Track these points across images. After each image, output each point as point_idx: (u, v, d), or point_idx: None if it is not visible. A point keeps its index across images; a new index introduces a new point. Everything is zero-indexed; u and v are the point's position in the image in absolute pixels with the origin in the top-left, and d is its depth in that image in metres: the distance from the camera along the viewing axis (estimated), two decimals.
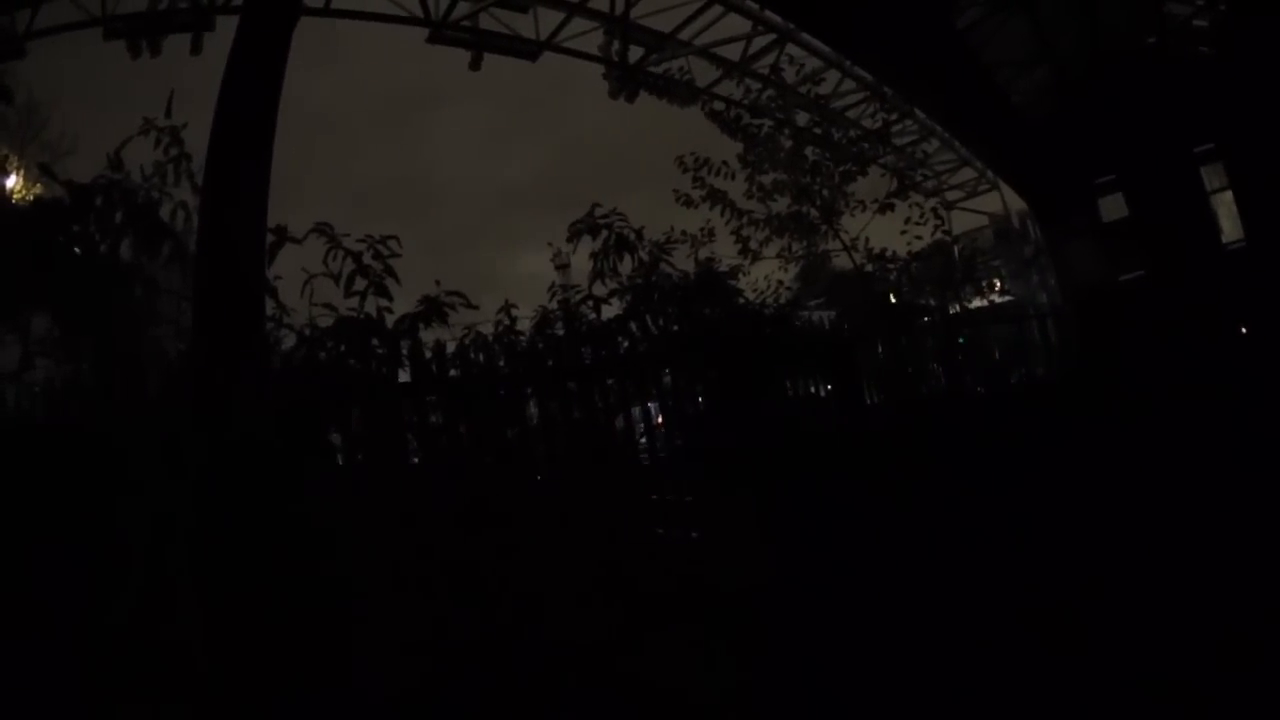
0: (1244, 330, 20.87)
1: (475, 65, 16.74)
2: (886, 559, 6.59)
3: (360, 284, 6.49)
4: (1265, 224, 23.53)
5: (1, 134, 17.62)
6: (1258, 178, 23.62)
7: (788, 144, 12.63)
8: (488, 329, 7.43)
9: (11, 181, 15.17)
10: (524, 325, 7.67)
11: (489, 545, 5.89)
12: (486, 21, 16.50)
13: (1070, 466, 8.91)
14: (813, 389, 10.82)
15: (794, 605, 5.94)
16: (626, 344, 8.27)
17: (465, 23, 16.26)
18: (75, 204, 6.85)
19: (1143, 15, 23.66)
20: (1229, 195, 24.75)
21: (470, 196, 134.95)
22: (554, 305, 8.19)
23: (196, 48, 15.35)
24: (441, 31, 16.04)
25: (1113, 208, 26.28)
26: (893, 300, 14.22)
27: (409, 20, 15.72)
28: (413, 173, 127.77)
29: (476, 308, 7.22)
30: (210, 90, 6.01)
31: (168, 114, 6.92)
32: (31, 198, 10.40)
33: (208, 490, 4.68)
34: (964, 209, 32.77)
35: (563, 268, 61.72)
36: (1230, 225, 24.87)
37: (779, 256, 12.91)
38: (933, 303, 20.49)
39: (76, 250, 6.91)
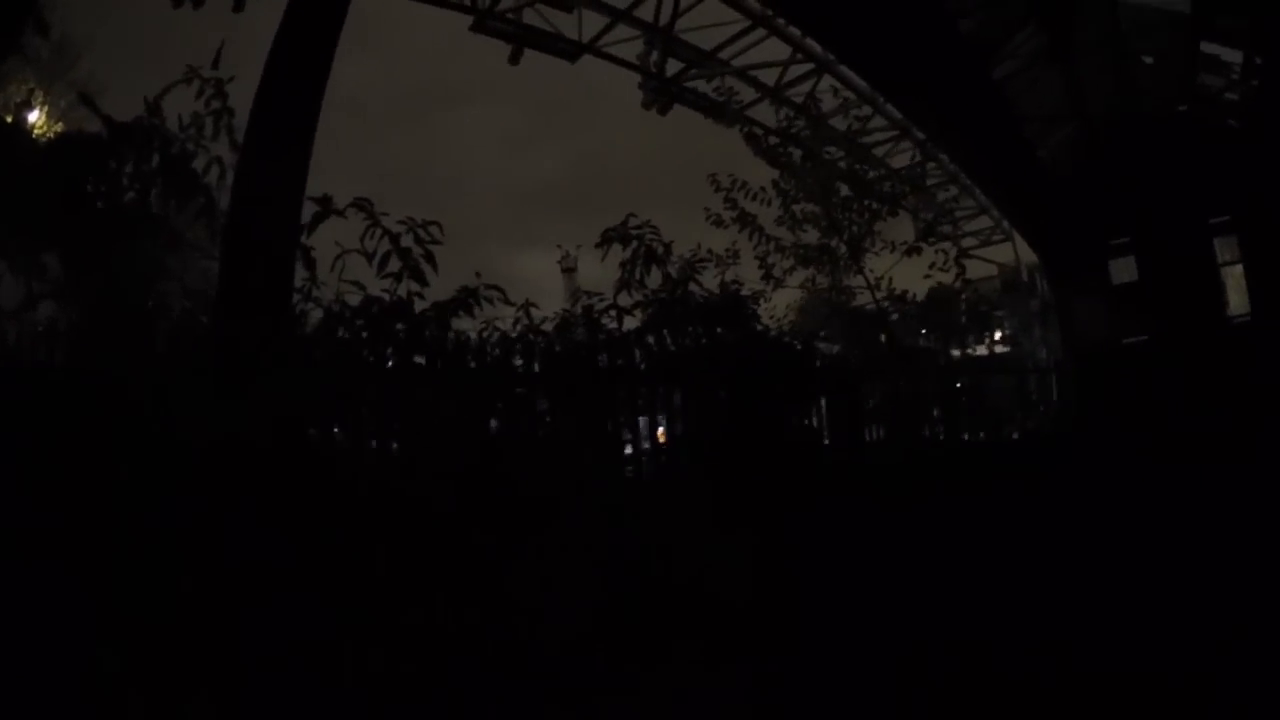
0: (1243, 403, 21.06)
1: (514, 60, 16.65)
2: (872, 598, 6.52)
3: (395, 266, 6.38)
4: (1273, 300, 23.77)
5: (31, 68, 17.45)
6: (1270, 254, 23.84)
7: (820, 175, 12.70)
8: (506, 324, 7.39)
9: (35, 116, 15.06)
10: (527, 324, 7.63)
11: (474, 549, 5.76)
12: (530, 17, 16.40)
13: (1055, 532, 8.89)
14: (814, 422, 10.84)
15: (781, 632, 5.82)
16: (642, 357, 8.25)
17: (510, 15, 16.13)
18: (112, 141, 6.76)
19: (1176, 83, 23.81)
20: (1239, 269, 24.91)
21: (485, 194, 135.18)
22: (577, 309, 8.20)
23: (239, 5, 14.99)
24: (486, 22, 15.88)
25: (1123, 270, 26.43)
26: (898, 341, 14.31)
27: (456, 6, 15.52)
28: (433, 165, 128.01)
29: (514, 305, 7.18)
30: (248, 52, 5.95)
31: (215, 65, 6.78)
32: (53, 135, 10.27)
33: (224, 460, 4.60)
34: (976, 257, 32.87)
35: (569, 271, 62.24)
36: (1238, 299, 25.02)
37: (802, 287, 13.01)
38: (937, 347, 20.59)
39: (102, 191, 6.84)
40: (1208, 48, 21.36)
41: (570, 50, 17.15)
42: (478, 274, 6.95)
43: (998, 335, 36.87)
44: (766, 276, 12.11)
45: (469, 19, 15.90)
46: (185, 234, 7.21)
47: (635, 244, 8.36)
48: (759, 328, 9.85)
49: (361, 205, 6.42)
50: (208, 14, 13.90)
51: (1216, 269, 25.18)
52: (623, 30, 17.32)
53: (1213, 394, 20.21)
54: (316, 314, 6.28)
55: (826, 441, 11.21)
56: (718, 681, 4.81)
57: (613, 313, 8.11)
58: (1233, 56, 21.44)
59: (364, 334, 6.20)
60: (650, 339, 8.27)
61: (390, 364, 6.36)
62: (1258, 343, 22.62)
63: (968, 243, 31.83)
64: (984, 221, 32.35)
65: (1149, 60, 22.95)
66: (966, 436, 16.08)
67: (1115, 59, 22.38)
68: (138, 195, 6.93)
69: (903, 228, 13.96)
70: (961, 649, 5.40)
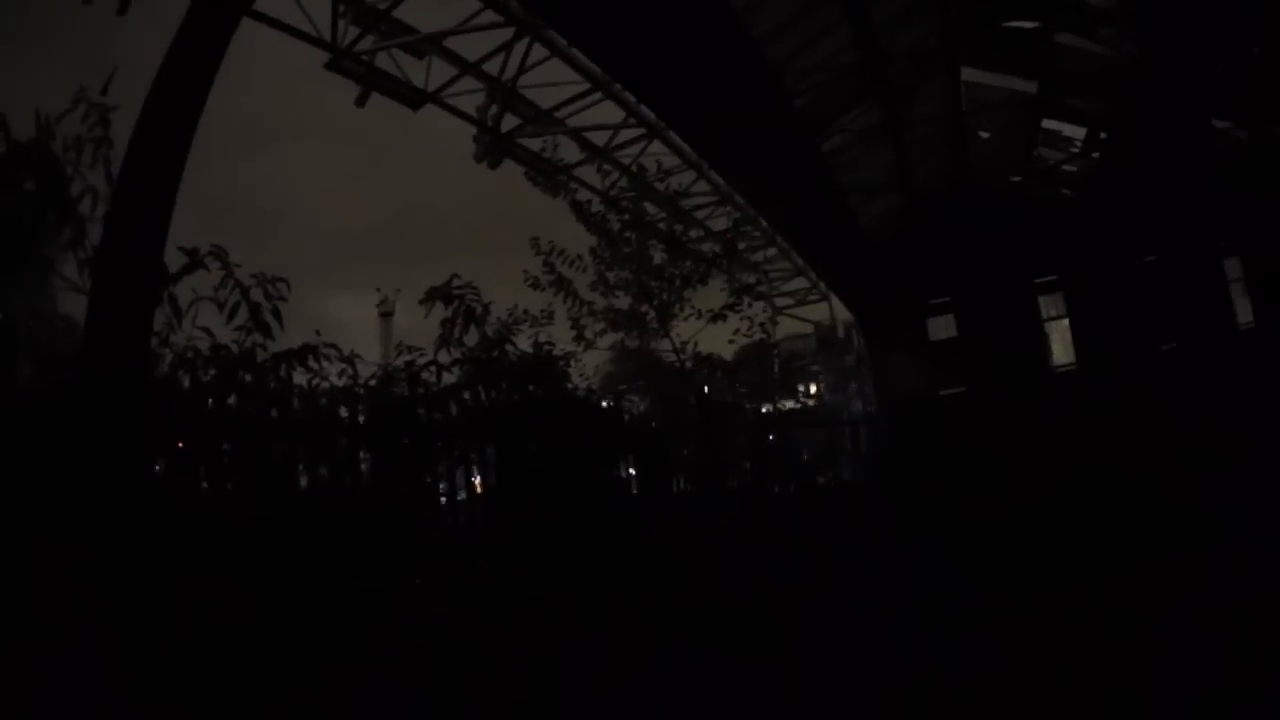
0: (1068, 447, 22.62)
1: (361, 103, 16.93)
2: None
3: (242, 317, 6.71)
4: (1096, 350, 26.02)
5: None
6: (1095, 308, 26.09)
7: (638, 242, 13.45)
8: (333, 373, 7.75)
9: None
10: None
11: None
12: (382, 61, 16.64)
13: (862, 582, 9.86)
14: (623, 473, 11.61)
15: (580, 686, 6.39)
16: (459, 412, 8.87)
17: (365, 56, 16.32)
18: (16, 163, 6.31)
19: (1013, 156, 25.59)
20: (1065, 323, 27.05)
21: (308, 232, 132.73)
22: (398, 360, 8.70)
23: (123, 8, 14.14)
24: (342, 61, 16.22)
25: (942, 327, 28.28)
26: (707, 398, 15.09)
27: (316, 41, 15.69)
28: (262, 198, 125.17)
29: (351, 360, 7.66)
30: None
31: (104, 91, 6.63)
32: None
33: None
34: (792, 315, 33.90)
35: (386, 316, 62.83)
36: (1062, 350, 27.19)
37: (612, 349, 13.69)
38: (748, 404, 21.59)
39: None
40: (1049, 124, 22.87)
41: (415, 98, 17.44)
42: (318, 332, 7.46)
43: (811, 390, 38.36)
44: (579, 338, 12.74)
45: (320, 57, 16.06)
46: (56, 263, 6.57)
47: (457, 304, 8.96)
48: (569, 386, 10.55)
49: (218, 254, 6.69)
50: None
51: (1040, 324, 27.21)
52: (467, 82, 17.77)
53: (1033, 437, 21.90)
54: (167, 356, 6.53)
55: (635, 491, 11.94)
56: None
57: (433, 368, 8.70)
58: (1074, 132, 23.13)
59: (213, 381, 6.63)
60: (467, 395, 8.89)
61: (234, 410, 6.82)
62: (1082, 389, 24.88)
63: (783, 302, 32.90)
64: (801, 282, 33.39)
65: (985, 135, 24.38)
66: (777, 488, 17.05)
67: (950, 134, 23.72)
68: (22, 220, 6.34)
69: (717, 291, 14.73)
70: None
